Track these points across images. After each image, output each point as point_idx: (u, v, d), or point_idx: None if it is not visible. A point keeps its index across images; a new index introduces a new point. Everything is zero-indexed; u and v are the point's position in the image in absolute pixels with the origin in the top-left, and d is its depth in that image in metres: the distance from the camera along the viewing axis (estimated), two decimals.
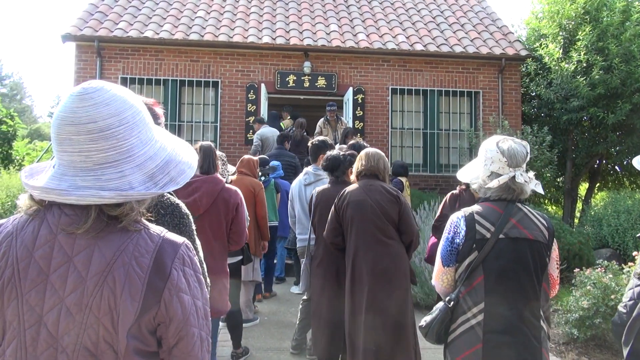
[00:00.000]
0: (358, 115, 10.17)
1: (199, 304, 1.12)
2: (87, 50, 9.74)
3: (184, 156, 1.16)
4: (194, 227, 1.87)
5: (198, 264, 1.15)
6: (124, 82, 9.78)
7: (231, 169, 4.11)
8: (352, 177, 3.38)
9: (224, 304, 3.11)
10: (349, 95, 10.11)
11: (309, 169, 4.37)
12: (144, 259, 1.04)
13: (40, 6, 77.82)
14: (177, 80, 9.97)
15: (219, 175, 3.39)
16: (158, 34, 9.73)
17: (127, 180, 1.04)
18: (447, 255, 2.02)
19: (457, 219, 2.02)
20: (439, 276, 2.07)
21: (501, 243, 1.92)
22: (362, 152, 3.35)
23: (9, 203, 6.83)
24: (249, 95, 10.01)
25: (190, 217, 1.86)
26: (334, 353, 3.44)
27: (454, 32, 10.89)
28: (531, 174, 2.04)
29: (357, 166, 3.34)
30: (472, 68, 10.54)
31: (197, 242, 1.85)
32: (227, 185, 3.35)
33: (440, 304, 2.02)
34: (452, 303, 1.97)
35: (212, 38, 9.82)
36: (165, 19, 10.31)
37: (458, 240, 1.99)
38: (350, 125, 9.80)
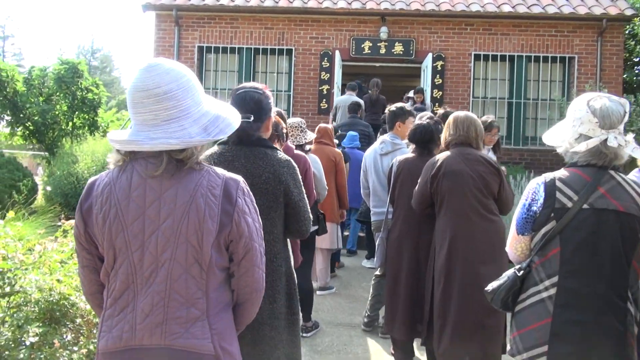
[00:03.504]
0: (437, 83, 9.61)
1: (257, 226, 1.43)
2: (165, 19, 9.89)
3: (228, 114, 1.42)
4: (300, 177, 2.25)
5: (253, 196, 1.45)
6: (200, 51, 9.89)
7: (311, 135, 3.92)
8: (442, 147, 3.05)
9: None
10: (427, 62, 9.56)
11: (386, 137, 4.06)
12: (215, 190, 1.35)
13: None
14: (251, 48, 9.91)
15: (288, 143, 3.24)
16: (233, 1, 9.67)
17: (187, 132, 1.31)
18: (523, 223, 1.86)
19: (536, 184, 1.83)
20: (513, 244, 1.92)
21: (583, 213, 1.74)
22: (451, 118, 2.99)
23: (94, 168, 7.14)
24: (323, 63, 9.75)
25: (297, 169, 2.25)
26: (410, 335, 3.21)
27: None
28: (630, 136, 1.78)
29: (445, 135, 3.02)
30: (567, 31, 9.56)
31: (303, 189, 2.23)
32: (295, 152, 3.18)
33: (510, 271, 1.88)
34: (522, 272, 1.83)
35: (287, 4, 9.61)
36: None
37: (535, 208, 1.81)
38: (429, 97, 9.28)
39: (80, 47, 54.10)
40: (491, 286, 1.92)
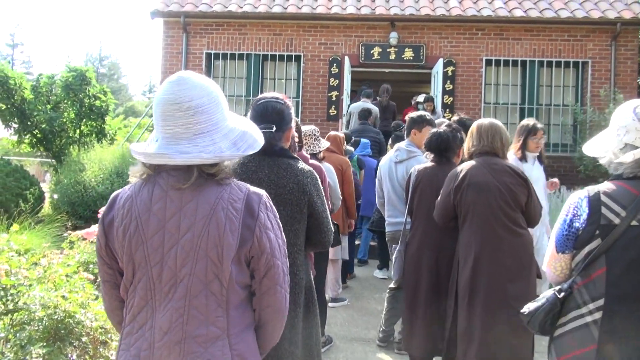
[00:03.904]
0: (448, 89, 9.47)
1: (280, 242, 1.38)
2: (173, 26, 9.84)
3: (253, 131, 1.41)
4: (322, 187, 2.21)
5: (275, 210, 1.41)
6: (208, 57, 9.82)
7: (325, 144, 3.79)
8: (465, 157, 2.91)
9: None
10: (438, 67, 9.42)
11: (402, 144, 3.92)
12: (237, 204, 1.31)
13: None
14: (259, 54, 9.82)
15: (303, 153, 3.12)
16: (242, 7, 9.60)
17: (218, 146, 1.29)
18: (563, 240, 1.71)
19: (578, 199, 1.69)
20: (552, 263, 1.77)
21: (633, 231, 1.59)
22: (474, 126, 2.85)
23: (102, 176, 7.06)
24: (332, 69, 9.64)
25: (319, 179, 2.20)
26: (429, 353, 3.06)
27: None
28: None
29: (468, 145, 2.87)
30: (580, 35, 9.40)
31: (325, 200, 2.19)
32: (311, 161, 3.05)
33: (549, 292, 1.73)
34: (562, 294, 1.69)
35: (295, 10, 9.52)
36: None
37: (578, 224, 1.67)
38: (440, 103, 9.15)
39: (88, 54, 54.61)
40: (527, 308, 1.77)
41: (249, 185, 1.38)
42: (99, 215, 3.89)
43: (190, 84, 1.29)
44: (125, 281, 1.34)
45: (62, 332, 2.45)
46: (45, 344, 2.35)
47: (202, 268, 1.27)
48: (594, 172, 8.33)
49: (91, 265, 3.42)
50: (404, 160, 3.81)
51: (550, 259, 1.79)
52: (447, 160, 3.15)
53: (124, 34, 75.74)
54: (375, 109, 7.89)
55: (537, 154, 3.98)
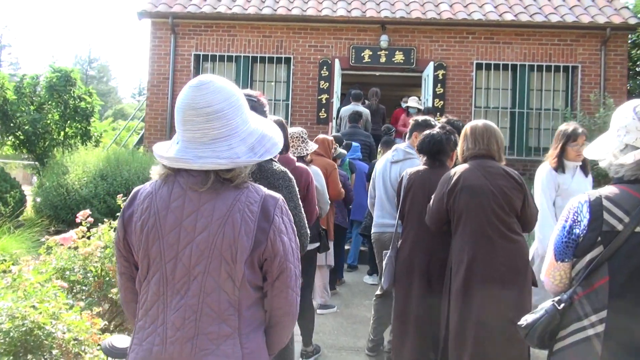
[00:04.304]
0: (438, 92, 9.41)
1: (294, 246, 1.39)
2: (161, 27, 9.69)
3: (273, 133, 1.42)
4: (297, 189, 2.21)
5: (291, 215, 1.42)
6: (196, 59, 9.68)
7: (312, 146, 3.67)
8: (459, 161, 2.80)
9: None
10: (428, 71, 9.37)
11: (401, 145, 3.83)
12: (253, 207, 1.32)
13: None
14: (249, 56, 9.70)
15: (290, 155, 3.01)
16: (231, 9, 9.48)
17: (235, 151, 1.30)
18: (563, 248, 1.62)
19: (578, 203, 1.60)
20: (550, 272, 1.67)
21: (637, 238, 1.51)
22: (467, 129, 2.74)
23: (85, 179, 6.87)
24: (322, 72, 9.55)
25: (294, 181, 2.21)
26: None
27: (549, 0, 9.75)
28: None
29: (461, 148, 2.76)
30: (570, 39, 9.40)
31: (299, 203, 2.22)
32: (297, 164, 2.94)
33: (547, 304, 1.63)
34: (562, 305, 1.59)
35: (285, 12, 9.43)
36: None
37: (578, 231, 1.58)
38: (430, 105, 9.08)
39: (77, 56, 54.09)
40: (525, 320, 1.67)
41: (265, 189, 1.39)
42: (77, 220, 3.73)
43: (211, 89, 1.30)
44: (140, 275, 1.37)
45: (31, 344, 2.30)
46: (12, 357, 2.20)
47: (216, 267, 1.29)
48: None
49: (67, 272, 3.27)
50: (399, 161, 3.72)
51: (548, 267, 1.69)
52: (441, 163, 3.04)
53: (113, 37, 75.20)
54: (366, 112, 7.79)
55: (579, 163, 3.37)
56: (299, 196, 2.19)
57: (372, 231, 3.87)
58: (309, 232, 2.21)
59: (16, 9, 71.81)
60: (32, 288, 2.51)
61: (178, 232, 1.31)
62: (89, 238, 3.58)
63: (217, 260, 1.29)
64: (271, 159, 2.17)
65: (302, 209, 2.22)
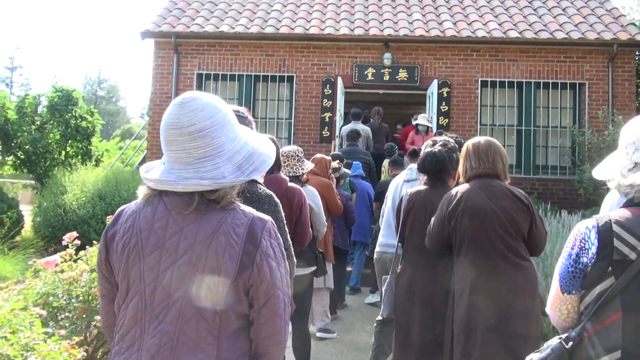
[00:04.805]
0: (443, 110, 9.28)
1: (283, 272, 1.31)
2: (164, 46, 9.70)
3: (264, 149, 1.35)
4: (283, 214, 2.14)
5: (281, 239, 1.35)
6: (199, 78, 9.66)
7: (309, 165, 3.53)
8: (461, 181, 2.64)
9: None
10: (433, 88, 9.26)
11: (415, 165, 3.72)
12: (239, 229, 1.25)
13: (138, 12, 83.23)
14: (252, 75, 9.66)
15: (282, 175, 2.87)
16: (234, 28, 9.48)
17: (220, 171, 1.24)
18: (569, 279, 1.46)
19: (585, 229, 1.44)
20: (556, 305, 1.52)
21: None
22: (469, 146, 2.56)
23: (83, 198, 6.77)
24: (325, 90, 9.47)
25: (280, 205, 2.13)
26: None
27: (555, 17, 9.68)
28: None
29: (463, 167, 2.58)
30: (577, 56, 9.28)
31: (286, 228, 2.16)
32: (290, 184, 2.79)
33: (554, 341, 1.46)
34: (570, 343, 1.42)
35: (288, 31, 9.40)
36: (241, 13, 10.07)
37: (586, 260, 1.42)
38: (435, 123, 8.95)
39: (87, 77, 54.96)
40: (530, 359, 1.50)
41: (254, 211, 1.32)
42: (64, 242, 3.59)
43: (193, 107, 1.25)
44: (119, 298, 1.31)
45: None
46: None
47: (197, 293, 1.22)
48: (594, 195, 8.09)
49: (51, 298, 3.12)
50: (411, 180, 3.61)
51: (554, 300, 1.52)
52: (442, 182, 2.88)
53: (122, 57, 76.30)
54: (366, 129, 7.70)
55: None
56: (284, 221, 2.10)
57: (375, 250, 3.75)
58: (295, 260, 2.06)
59: (27, 31, 73.20)
60: (3, 317, 2.35)
61: (160, 253, 1.25)
62: (75, 261, 3.44)
63: (198, 286, 1.22)
64: (256, 182, 2.06)
65: (288, 234, 2.12)
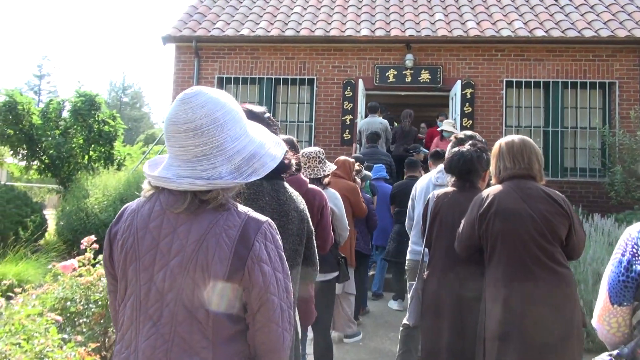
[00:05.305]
0: (467, 112, 9.08)
1: (280, 276, 1.25)
2: (185, 51, 9.73)
3: (270, 149, 1.29)
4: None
5: (279, 241, 1.28)
6: (220, 82, 9.66)
7: (330, 167, 3.40)
8: (494, 182, 2.49)
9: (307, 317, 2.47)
10: (456, 89, 9.07)
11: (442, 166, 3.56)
12: (231, 231, 1.22)
13: (162, 18, 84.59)
14: (272, 78, 9.62)
15: (302, 176, 2.76)
16: (254, 31, 9.46)
17: (217, 171, 1.21)
18: (620, 289, 1.34)
19: (638, 233, 1.31)
20: (604, 317, 1.39)
21: None
22: (502, 145, 2.40)
23: (105, 202, 6.79)
24: (346, 93, 9.36)
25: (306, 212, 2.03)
26: None
27: (582, 15, 9.38)
28: None
29: (496, 168, 2.42)
30: (606, 55, 8.97)
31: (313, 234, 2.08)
32: (310, 186, 2.68)
33: (604, 358, 1.31)
34: None
35: (308, 33, 9.33)
36: (261, 16, 10.04)
37: (638, 267, 1.29)
38: (459, 125, 8.75)
39: (112, 83, 55.95)
40: None
41: (251, 212, 1.27)
42: (82, 247, 3.56)
43: (194, 103, 1.21)
44: (119, 297, 1.32)
45: None
46: None
47: (189, 295, 1.20)
48: (626, 198, 7.79)
49: (69, 303, 3.08)
50: (443, 185, 3.41)
51: (602, 312, 1.39)
52: (471, 184, 2.72)
53: (146, 64, 77.58)
54: (384, 122, 7.68)
55: None
56: (326, 222, 2.11)
57: (408, 257, 3.58)
58: (317, 265, 1.97)
59: (55, 41, 75.07)
60: (19, 323, 2.30)
61: (154, 254, 1.24)
62: (93, 266, 3.40)
63: (190, 287, 1.20)
64: (283, 183, 2.00)
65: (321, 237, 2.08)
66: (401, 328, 3.53)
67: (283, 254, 1.29)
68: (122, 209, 1.37)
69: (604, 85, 9.05)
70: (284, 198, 1.93)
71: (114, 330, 3.05)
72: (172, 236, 1.22)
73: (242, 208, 1.28)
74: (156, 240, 1.24)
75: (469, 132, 3.12)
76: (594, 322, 1.43)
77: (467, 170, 2.71)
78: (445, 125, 8.08)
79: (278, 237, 1.29)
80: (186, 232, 1.21)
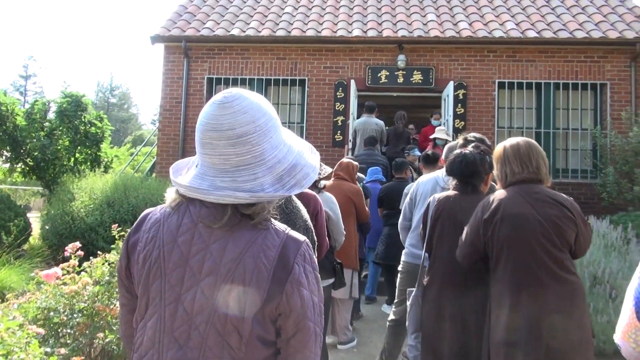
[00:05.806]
0: (459, 113, 9.02)
1: (316, 300, 1.17)
2: (174, 51, 9.57)
3: (308, 159, 1.20)
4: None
5: (316, 262, 1.20)
6: (209, 82, 9.51)
7: (326, 170, 3.29)
8: (497, 187, 2.40)
9: None
10: (448, 90, 9.01)
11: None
12: (270, 252, 1.12)
13: (150, 19, 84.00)
14: (262, 79, 9.49)
15: None
16: (244, 31, 9.33)
17: (259, 182, 1.11)
18: None
19: None
20: (629, 334, 1.28)
21: None
22: (507, 148, 2.31)
23: (92, 206, 6.61)
24: (338, 94, 9.26)
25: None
26: None
27: (574, 16, 9.39)
28: None
29: (502, 173, 2.32)
30: (598, 56, 8.97)
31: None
32: (305, 190, 2.58)
33: None
34: None
35: (300, 33, 9.22)
36: (252, 16, 9.91)
37: None
38: (451, 126, 8.69)
39: (99, 84, 55.38)
40: None
41: (289, 230, 1.18)
42: (66, 253, 3.41)
43: (236, 108, 1.11)
44: (137, 314, 1.20)
45: None
46: None
47: (222, 318, 1.10)
48: (618, 199, 7.78)
49: (52, 313, 2.93)
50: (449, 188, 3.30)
51: (627, 328, 1.29)
52: (474, 188, 2.63)
53: (134, 65, 76.91)
54: (379, 124, 7.64)
55: None
56: (321, 227, 2.04)
57: (403, 259, 3.44)
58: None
59: (41, 41, 74.18)
60: None
61: (183, 271, 1.12)
62: (78, 273, 3.25)
63: (223, 310, 1.10)
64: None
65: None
66: (388, 324, 3.46)
67: (319, 275, 1.20)
68: (141, 217, 1.24)
69: (596, 87, 9.05)
70: (290, 207, 1.90)
71: (99, 342, 2.91)
72: (204, 253, 1.12)
73: (279, 226, 1.18)
74: (185, 257, 1.13)
75: (478, 135, 3.02)
76: (617, 338, 1.33)
77: (470, 173, 2.61)
78: (438, 133, 7.99)
79: (315, 257, 1.20)
80: (221, 250, 1.11)
